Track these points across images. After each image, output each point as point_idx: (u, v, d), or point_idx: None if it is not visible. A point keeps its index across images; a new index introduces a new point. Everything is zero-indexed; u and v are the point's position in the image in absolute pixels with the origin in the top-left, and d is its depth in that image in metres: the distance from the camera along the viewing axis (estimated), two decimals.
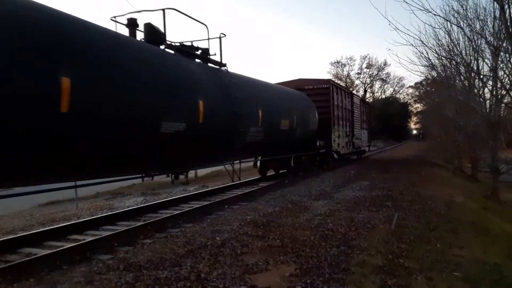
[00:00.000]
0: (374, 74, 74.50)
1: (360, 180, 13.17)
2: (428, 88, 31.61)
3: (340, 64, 72.47)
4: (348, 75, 73.17)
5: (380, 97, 77.39)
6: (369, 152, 31.78)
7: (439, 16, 13.07)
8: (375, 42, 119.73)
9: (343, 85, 21.54)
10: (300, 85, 16.61)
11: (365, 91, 75.60)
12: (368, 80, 75.28)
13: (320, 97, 16.59)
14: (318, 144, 15.57)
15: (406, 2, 8.89)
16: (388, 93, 78.02)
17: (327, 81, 17.85)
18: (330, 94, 16.93)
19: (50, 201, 12.45)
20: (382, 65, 72.35)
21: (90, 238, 6.16)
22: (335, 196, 9.76)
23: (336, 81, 20.84)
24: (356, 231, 6.20)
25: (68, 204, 11.62)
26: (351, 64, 79.44)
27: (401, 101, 76.82)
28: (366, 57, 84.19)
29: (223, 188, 12.29)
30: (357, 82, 74.63)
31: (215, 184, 14.20)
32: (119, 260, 4.93)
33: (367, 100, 29.72)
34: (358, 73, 74.02)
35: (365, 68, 73.29)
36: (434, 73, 19.26)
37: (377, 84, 77.09)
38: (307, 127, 14.29)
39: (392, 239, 5.76)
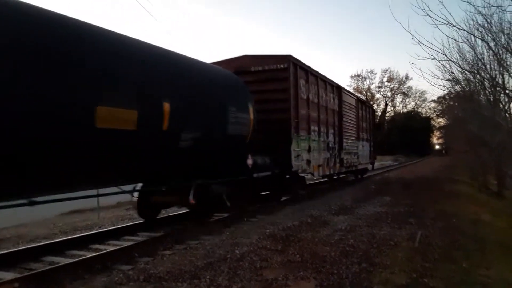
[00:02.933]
0: (395, 87, 73.90)
1: (381, 195, 12.94)
2: (451, 103, 31.06)
3: (360, 77, 72.30)
4: (369, 88, 72.88)
5: (401, 111, 76.49)
6: (378, 170, 28.76)
7: (463, 30, 12.90)
8: (396, 55, 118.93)
9: (325, 75, 13.98)
10: (244, 65, 11.13)
11: (386, 104, 74.96)
12: (389, 94, 74.70)
13: (272, 84, 10.84)
14: (252, 162, 9.22)
15: (430, 16, 8.79)
16: (409, 107, 77.10)
17: (286, 58, 10.84)
18: (289, 80, 10.65)
19: (73, 210, 12.66)
20: (404, 78, 71.81)
21: (111, 248, 6.22)
22: (355, 211, 9.61)
23: (304, 63, 11.87)
24: (378, 248, 6.07)
25: (90, 213, 11.80)
26: (372, 77, 79.41)
27: (423, 115, 75.71)
28: (387, 70, 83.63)
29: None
30: (378, 95, 74.17)
31: None
32: (139, 271, 4.96)
33: (369, 103, 23.87)
34: (379, 87, 73.63)
35: (386, 81, 72.84)
36: (457, 87, 18.90)
37: (399, 98, 76.38)
38: (221, 131, 7.91)
39: (416, 257, 5.61)
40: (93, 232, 7.66)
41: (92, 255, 5.73)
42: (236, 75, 9.95)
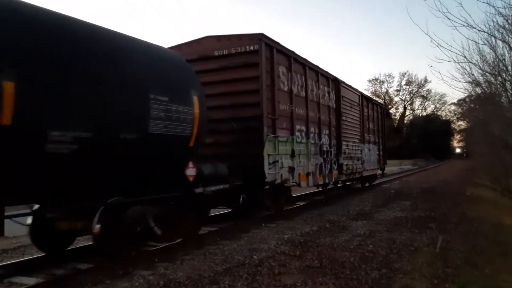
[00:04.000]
0: (414, 91, 72.98)
1: (400, 200, 12.77)
2: (472, 105, 30.46)
3: (378, 81, 71.69)
4: (387, 92, 72.23)
5: (420, 115, 75.43)
6: (397, 175, 27.86)
7: (483, 31, 12.69)
8: (415, 58, 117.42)
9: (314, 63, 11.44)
10: (206, 49, 9.08)
11: (405, 108, 74.05)
12: (407, 97, 73.82)
13: (240, 72, 8.71)
14: (194, 172, 6.80)
15: (449, 19, 8.69)
16: (429, 110, 75.97)
17: (256, 37, 8.61)
18: (260, 65, 8.49)
19: None
20: (423, 81, 70.89)
21: (131, 253, 6.31)
22: (375, 216, 9.51)
23: (286, 47, 9.68)
24: (398, 253, 6.00)
25: None
26: (390, 81, 78.60)
27: (443, 118, 74.48)
28: (405, 73, 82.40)
29: None
30: (396, 99, 73.38)
31: None
32: (159, 276, 5.02)
33: (377, 101, 21.74)
34: (397, 90, 72.88)
35: (405, 85, 72.00)
36: (478, 90, 18.55)
37: (418, 101, 75.39)
38: (135, 130, 5.68)
39: (437, 262, 5.53)
40: None
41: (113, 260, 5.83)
42: (200, 59, 8.82)
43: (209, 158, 8.07)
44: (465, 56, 19.17)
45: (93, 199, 5.43)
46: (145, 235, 6.04)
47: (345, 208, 10.86)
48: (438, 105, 74.91)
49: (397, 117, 75.01)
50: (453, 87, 41.96)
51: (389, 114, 72.08)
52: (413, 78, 72.88)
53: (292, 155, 9.65)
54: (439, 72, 64.97)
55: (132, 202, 5.81)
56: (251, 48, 8.67)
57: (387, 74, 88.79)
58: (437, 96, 74.38)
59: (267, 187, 8.82)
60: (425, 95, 73.79)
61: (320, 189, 14.81)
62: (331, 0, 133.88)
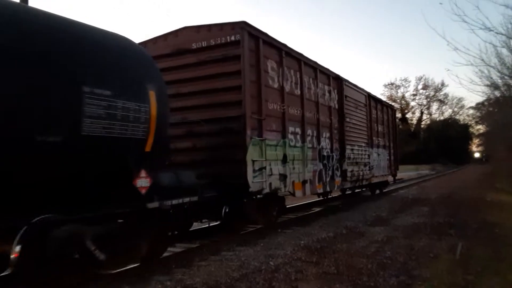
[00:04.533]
0: (431, 95, 72.03)
1: (418, 206, 12.58)
2: (491, 109, 29.90)
3: (394, 85, 70.94)
4: (403, 96, 71.41)
5: (438, 119, 74.38)
6: (414, 180, 27.14)
7: (501, 34, 12.49)
8: (431, 62, 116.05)
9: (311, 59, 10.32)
10: (184, 42, 8.03)
11: (422, 112, 73.12)
12: (424, 102, 72.87)
13: (220, 66, 7.67)
14: (148, 183, 5.39)
15: (466, 22, 8.61)
16: (446, 114, 74.83)
17: (238, 26, 7.62)
18: (242, 58, 7.46)
19: None
20: (440, 85, 69.91)
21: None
22: (392, 222, 9.39)
23: (275, 39, 8.59)
24: (416, 260, 5.91)
25: None
26: (406, 85, 77.62)
27: (461, 122, 73.25)
28: (421, 78, 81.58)
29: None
30: (412, 103, 72.51)
31: None
32: (176, 282, 5.06)
33: (387, 102, 19.85)
34: (414, 95, 71.98)
35: (421, 89, 71.11)
36: (497, 93, 18.25)
37: (435, 106, 74.33)
38: (60, 131, 4.42)
39: (457, 269, 5.42)
40: None
41: (131, 266, 5.90)
42: (176, 53, 7.94)
43: (186, 165, 7.32)
44: (483, 59, 18.91)
45: (15, 217, 4.21)
46: (85, 261, 4.84)
47: (362, 214, 10.75)
48: (456, 109, 73.78)
49: (414, 121, 74.05)
50: (471, 90, 41.55)
51: (405, 119, 71.38)
52: (430, 82, 71.89)
53: (284, 160, 8.55)
54: (456, 76, 64.25)
55: (64, 220, 4.48)
56: (232, 38, 7.60)
57: (403, 79, 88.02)
58: (455, 100, 73.18)
59: (254, 197, 7.80)
60: (442, 99, 72.72)
61: (320, 198, 13.62)
62: (344, 3, 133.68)
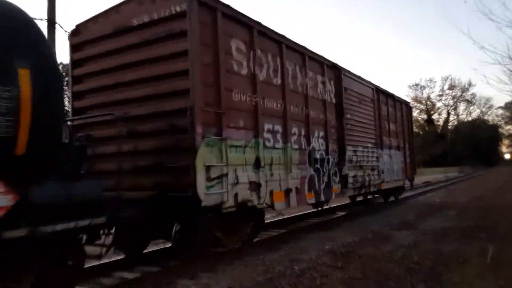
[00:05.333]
0: (457, 95, 70.36)
1: (446, 209, 12.28)
2: None
3: (419, 86, 69.67)
4: (429, 97, 70.00)
5: (465, 120, 72.51)
6: (443, 183, 26.22)
7: None
8: (457, 62, 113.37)
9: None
10: (124, 20, 6.57)
11: (449, 113, 71.48)
12: (451, 102, 71.25)
13: (165, 46, 6.20)
14: (8, 203, 3.65)
15: (492, 20, 8.38)
16: (474, 115, 72.89)
17: None
18: (190, 34, 5.88)
19: None
20: (467, 85, 68.24)
21: (173, 263, 6.45)
22: (419, 226, 9.20)
23: (242, 13, 6.93)
24: (445, 264, 5.77)
25: None
26: (431, 86, 76.21)
27: (490, 123, 71.16)
28: (447, 78, 79.87)
29: (300, 216, 12.19)
30: (438, 104, 71.02)
31: (291, 212, 14.15)
32: (202, 286, 5.10)
33: (400, 97, 15.92)
34: (440, 95, 70.54)
35: (447, 89, 69.55)
36: None
37: (462, 106, 72.56)
38: None
39: (488, 274, 5.26)
40: (159, 248, 7.97)
41: (157, 269, 6.00)
42: (117, 32, 6.51)
43: (129, 173, 5.96)
44: (511, 58, 18.34)
45: None
46: None
47: (387, 218, 10.58)
48: (484, 109, 71.85)
49: (440, 123, 72.36)
50: (500, 90, 40.22)
51: (431, 120, 69.88)
52: (456, 82, 70.29)
53: (257, 165, 6.89)
54: (484, 75, 62.55)
55: None
56: (178, 9, 5.97)
57: (428, 79, 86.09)
58: (483, 100, 71.27)
59: (211, 213, 6.14)
60: (469, 100, 70.95)
61: (316, 209, 11.36)
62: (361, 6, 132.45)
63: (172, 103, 6.01)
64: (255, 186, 6.87)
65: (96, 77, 6.96)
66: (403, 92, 71.20)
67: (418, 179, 23.82)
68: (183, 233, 6.11)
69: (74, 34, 7.28)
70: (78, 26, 7.23)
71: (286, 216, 12.37)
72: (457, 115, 73.41)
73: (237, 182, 6.45)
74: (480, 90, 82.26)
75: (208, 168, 5.84)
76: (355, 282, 5.06)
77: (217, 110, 6.18)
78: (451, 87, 69.34)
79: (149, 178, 6.03)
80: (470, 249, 6.68)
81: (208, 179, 5.84)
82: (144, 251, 7.20)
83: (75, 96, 7.22)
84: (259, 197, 6.93)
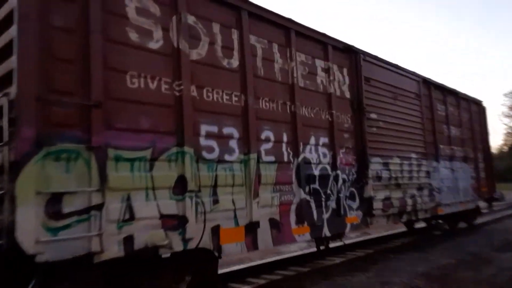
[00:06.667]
0: None
1: None
2: None
3: None
4: None
5: None
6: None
7: None
8: None
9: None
10: None
11: None
12: None
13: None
14: None
15: None
16: None
17: None
18: None
19: None
20: None
21: (262, 281, 6.59)
22: None
23: None
24: None
25: None
26: None
27: None
28: None
29: (387, 236, 11.69)
30: None
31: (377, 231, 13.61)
32: None
33: (465, 94, 11.60)
34: None
35: None
36: None
37: None
38: None
39: None
40: (247, 265, 8.14)
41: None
42: None
43: None
44: None
45: None
46: None
47: (488, 238, 9.73)
48: None
49: None
50: None
51: None
52: None
53: (181, 189, 4.41)
54: None
55: None
56: None
57: None
58: None
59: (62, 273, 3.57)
60: None
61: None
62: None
63: None
64: (176, 222, 4.35)
65: None
66: (497, 102, 65.11)
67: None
68: None
69: None
70: None
71: (372, 236, 11.95)
72: None
73: (133, 218, 3.98)
74: None
75: (53, 197, 3.47)
76: None
77: (84, 101, 3.77)
78: None
79: None
80: None
81: (54, 215, 3.46)
82: None
83: None
84: (185, 240, 4.37)
